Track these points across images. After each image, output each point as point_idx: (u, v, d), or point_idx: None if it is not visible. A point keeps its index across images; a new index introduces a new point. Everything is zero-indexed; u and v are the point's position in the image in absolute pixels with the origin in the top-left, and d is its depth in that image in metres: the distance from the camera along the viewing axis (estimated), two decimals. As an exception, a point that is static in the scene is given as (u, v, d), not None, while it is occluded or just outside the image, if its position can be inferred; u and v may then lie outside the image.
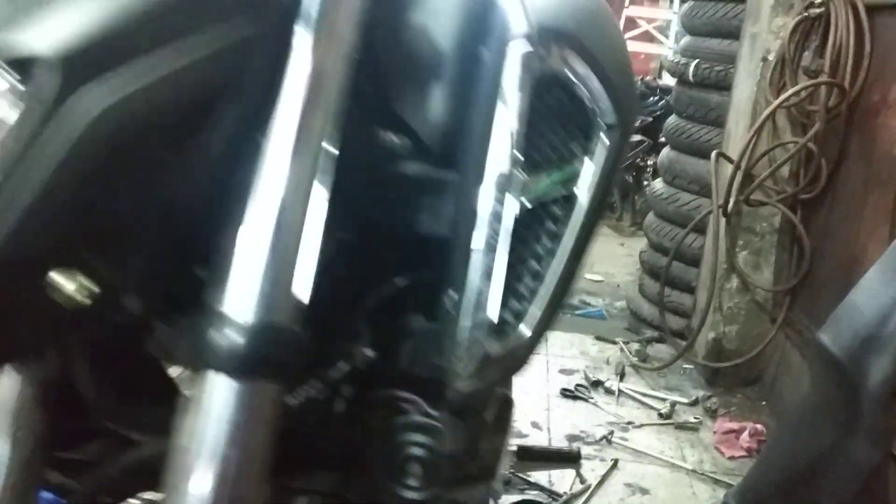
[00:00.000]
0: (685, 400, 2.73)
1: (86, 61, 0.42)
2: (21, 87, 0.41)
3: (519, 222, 0.60)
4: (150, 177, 0.47)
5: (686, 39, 3.57)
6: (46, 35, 0.42)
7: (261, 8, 0.49)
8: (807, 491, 1.84)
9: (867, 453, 1.78)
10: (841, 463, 1.80)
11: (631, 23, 7.51)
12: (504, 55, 0.59)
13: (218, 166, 0.49)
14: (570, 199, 0.65)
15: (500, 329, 0.60)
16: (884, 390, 1.75)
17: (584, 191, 0.64)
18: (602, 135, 0.65)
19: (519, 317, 0.62)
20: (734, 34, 3.15)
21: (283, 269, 0.47)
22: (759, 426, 2.49)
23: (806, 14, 2.58)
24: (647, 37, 7.49)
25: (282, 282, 0.47)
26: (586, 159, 0.65)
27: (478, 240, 0.59)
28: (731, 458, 2.37)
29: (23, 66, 0.42)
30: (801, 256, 2.66)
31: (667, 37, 7.44)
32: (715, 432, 2.51)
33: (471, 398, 0.62)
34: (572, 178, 0.64)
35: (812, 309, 2.59)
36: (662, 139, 4.69)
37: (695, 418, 2.59)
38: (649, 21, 7.51)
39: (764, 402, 2.79)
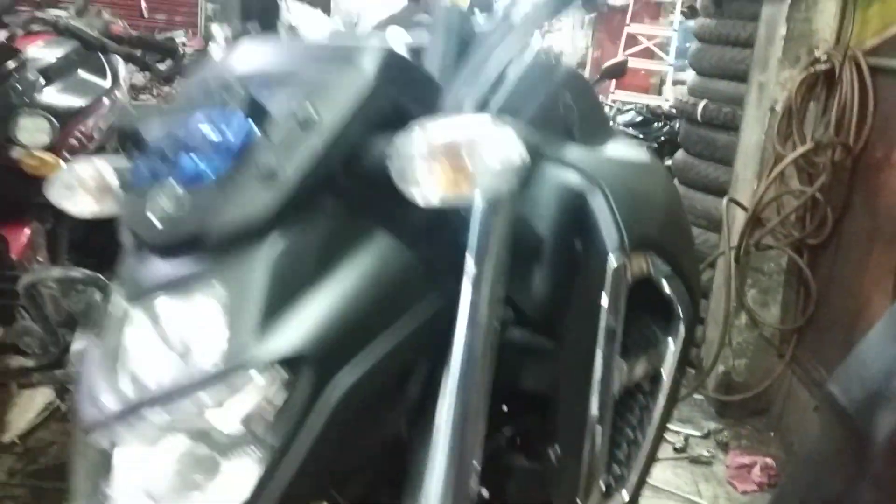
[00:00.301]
0: (698, 433, 2.87)
1: (338, 354, 0.56)
2: (287, 377, 0.55)
3: (618, 397, 0.74)
4: (375, 424, 0.61)
5: (694, 79, 3.72)
6: (307, 336, 0.56)
7: (447, 284, 0.62)
8: (820, 539, 1.98)
9: (875, 501, 1.92)
10: (851, 512, 1.94)
11: (632, 40, 7.66)
12: (604, 265, 0.73)
13: (415, 402, 0.63)
14: (657, 377, 0.78)
15: (608, 494, 0.74)
16: (890, 442, 1.90)
17: (667, 368, 0.78)
18: (680, 317, 0.79)
19: (620, 481, 0.76)
20: (741, 77, 3.29)
21: (464, 469, 0.61)
22: (769, 460, 2.64)
23: (812, 70, 2.72)
24: (647, 53, 7.64)
25: (463, 482, 0.61)
26: (669, 340, 0.79)
27: (588, 406, 0.73)
28: (744, 492, 2.52)
29: (290, 362, 0.55)
30: (808, 298, 2.80)
31: (667, 53, 7.58)
32: (728, 466, 2.65)
33: None
34: (658, 358, 0.78)
35: (818, 348, 2.74)
36: (667, 164, 4.84)
37: (708, 452, 2.74)
38: (649, 38, 7.65)
39: (772, 433, 2.94)
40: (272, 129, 0.60)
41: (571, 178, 0.79)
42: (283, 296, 0.58)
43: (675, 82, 7.54)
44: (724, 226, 2.98)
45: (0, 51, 1.61)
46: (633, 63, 7.59)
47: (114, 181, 0.72)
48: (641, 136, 4.84)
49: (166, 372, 0.59)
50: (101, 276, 1.85)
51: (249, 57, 0.70)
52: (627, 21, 7.69)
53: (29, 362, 1.86)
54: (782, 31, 2.90)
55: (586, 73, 8.35)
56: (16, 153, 1.60)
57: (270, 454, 0.55)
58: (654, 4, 7.70)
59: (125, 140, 0.71)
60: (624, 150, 0.96)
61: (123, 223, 0.69)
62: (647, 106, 5.15)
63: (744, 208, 2.90)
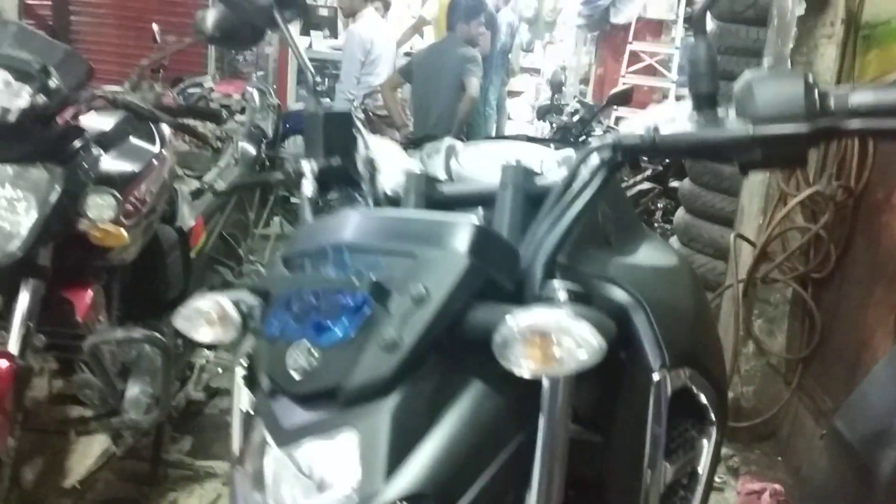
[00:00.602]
0: (709, 459, 3.00)
1: (451, 491, 0.70)
2: None
3: (668, 494, 0.87)
4: None
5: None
6: (426, 476, 0.69)
7: (527, 421, 0.76)
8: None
9: (880, 534, 2.05)
10: (857, 544, 2.07)
11: (635, 57, 7.80)
12: (649, 378, 0.86)
13: None
14: (694, 473, 0.91)
15: None
16: (893, 478, 2.03)
17: (703, 465, 0.91)
18: (713, 421, 0.92)
19: None
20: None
21: None
22: (777, 486, 2.77)
23: (814, 111, 2.85)
24: (650, 70, 7.78)
25: None
26: (704, 441, 0.92)
27: (637, 502, 0.86)
28: (755, 519, 2.65)
29: (413, 499, 0.69)
30: (812, 329, 2.93)
31: (669, 70, 7.73)
32: (738, 493, 2.78)
33: None
34: (695, 457, 0.91)
35: (823, 378, 2.87)
36: (673, 183, 4.97)
37: (720, 478, 2.86)
38: (652, 55, 7.80)
39: (780, 458, 3.07)
40: (390, 303, 0.73)
41: (616, 293, 0.92)
42: (404, 441, 0.71)
43: (678, 98, 7.69)
44: (731, 260, 3.11)
45: (70, 131, 1.74)
46: (637, 80, 7.74)
47: (234, 315, 0.85)
48: (646, 158, 4.94)
49: (306, 501, 0.72)
50: (156, 334, 1.98)
51: (355, 226, 0.82)
52: (630, 39, 7.84)
53: (87, 412, 2.00)
54: (785, 72, 3.03)
55: (589, 90, 8.49)
56: (83, 225, 1.73)
57: None
58: (655, 22, 7.85)
59: (257, 294, 0.83)
60: (655, 254, 1.09)
61: (262, 370, 0.81)
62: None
63: (751, 243, 3.03)
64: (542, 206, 0.87)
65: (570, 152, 1.18)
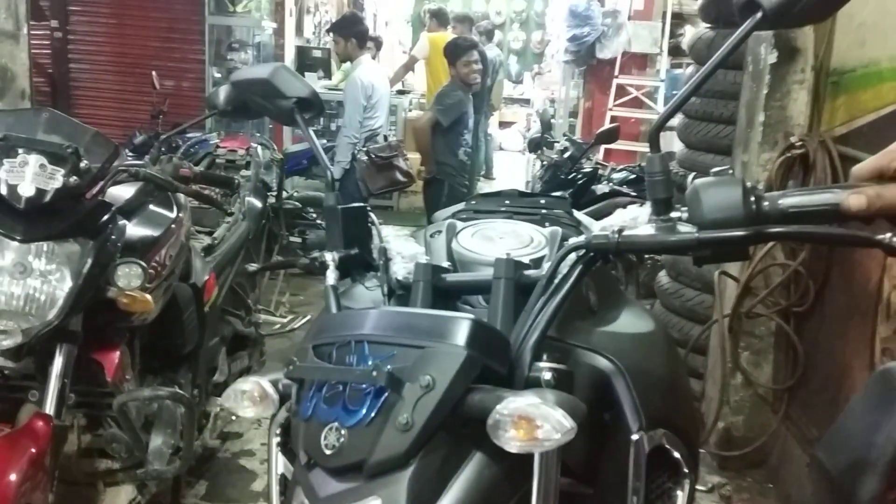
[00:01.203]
0: (703, 488, 3.13)
1: None
2: None
3: None
4: None
5: (683, 152, 4.03)
6: None
7: (522, 483, 0.90)
8: None
9: (861, 558, 2.19)
10: (840, 568, 2.20)
11: (621, 90, 8.00)
12: (628, 437, 1.01)
13: None
14: None
15: None
16: (871, 504, 2.16)
17: None
18: (686, 473, 1.07)
19: None
20: (726, 151, 3.60)
21: None
22: (768, 513, 2.90)
23: (789, 154, 3.02)
24: (636, 103, 7.98)
25: None
26: (678, 492, 1.06)
27: None
28: (747, 545, 2.77)
29: None
30: (796, 360, 3.08)
31: (655, 102, 7.92)
32: (731, 520, 2.91)
33: None
34: None
35: (807, 406, 3.01)
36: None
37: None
38: (638, 88, 8.00)
39: (770, 485, 3.20)
40: (403, 390, 0.87)
41: (599, 361, 1.07)
42: None
43: (665, 129, 7.83)
44: (716, 296, 3.26)
45: (99, 206, 1.89)
46: (624, 113, 7.93)
47: (273, 394, 1.00)
48: (635, 193, 5.10)
49: None
50: (179, 391, 2.12)
51: (374, 322, 0.95)
52: (616, 72, 8.04)
53: (114, 464, 2.12)
54: (761, 117, 3.21)
55: (578, 123, 8.69)
56: (111, 293, 1.88)
57: None
58: (640, 56, 8.05)
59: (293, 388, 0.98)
60: (634, 321, 1.25)
61: (300, 446, 0.94)
62: (640, 165, 5.46)
63: (734, 279, 3.18)
64: (530, 296, 1.02)
65: (556, 231, 1.33)
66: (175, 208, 2.24)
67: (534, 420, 0.83)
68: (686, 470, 1.06)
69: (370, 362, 0.90)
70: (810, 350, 3.04)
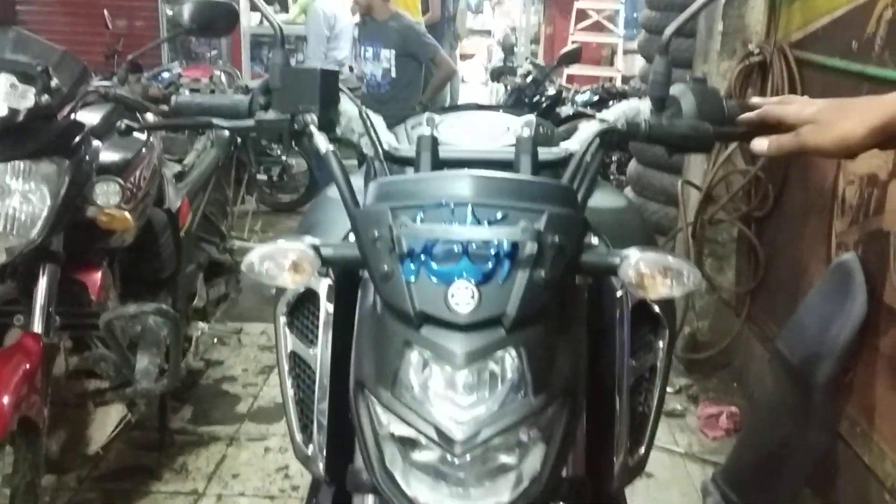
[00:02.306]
0: (671, 389, 3.27)
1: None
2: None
3: (634, 387, 1.10)
4: None
5: (644, 67, 4.08)
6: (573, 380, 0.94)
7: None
8: (774, 470, 2.39)
9: (819, 438, 2.33)
10: (800, 447, 2.34)
11: (582, 14, 7.99)
12: (615, 295, 1.09)
13: None
14: (653, 368, 1.13)
15: (634, 447, 1.10)
16: (828, 388, 2.29)
17: (660, 362, 1.13)
18: (665, 326, 1.14)
19: (639, 442, 1.11)
20: (687, 64, 3.65)
21: None
22: (733, 408, 3.05)
23: (747, 62, 3.08)
24: (597, 27, 7.98)
25: None
26: (659, 342, 1.14)
27: (614, 394, 1.09)
28: (714, 438, 2.92)
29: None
30: (757, 263, 3.20)
31: (616, 25, 7.94)
32: (698, 417, 3.05)
33: (620, 491, 1.13)
34: (654, 356, 1.13)
35: (769, 307, 3.14)
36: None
37: (681, 405, 3.14)
38: (599, 12, 7.99)
39: (735, 384, 3.35)
40: (537, 249, 0.89)
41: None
42: (554, 353, 0.92)
43: (626, 52, 7.91)
44: (680, 205, 3.35)
45: (71, 126, 1.90)
46: (584, 37, 7.92)
47: (315, 259, 0.95)
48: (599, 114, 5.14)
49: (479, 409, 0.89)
50: (164, 307, 2.16)
51: (474, 186, 0.94)
52: (576, -3, 8.04)
53: (104, 384, 2.17)
54: (719, 26, 3.26)
55: (540, 49, 8.67)
56: (90, 212, 1.90)
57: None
58: (600, -21, 8.04)
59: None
60: (609, 198, 1.32)
61: (409, 307, 0.89)
62: (603, 86, 5.50)
63: (697, 188, 3.27)
64: (555, 173, 1.11)
65: (530, 118, 1.38)
66: (145, 131, 2.25)
67: (671, 269, 0.91)
68: (665, 323, 1.13)
69: (485, 223, 0.91)
70: (771, 252, 3.15)
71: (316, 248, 0.96)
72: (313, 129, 1.14)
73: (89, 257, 2.04)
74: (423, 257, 0.90)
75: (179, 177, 2.76)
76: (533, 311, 0.89)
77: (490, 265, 0.89)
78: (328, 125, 1.18)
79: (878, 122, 0.99)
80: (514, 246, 0.90)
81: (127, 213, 1.94)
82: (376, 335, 0.96)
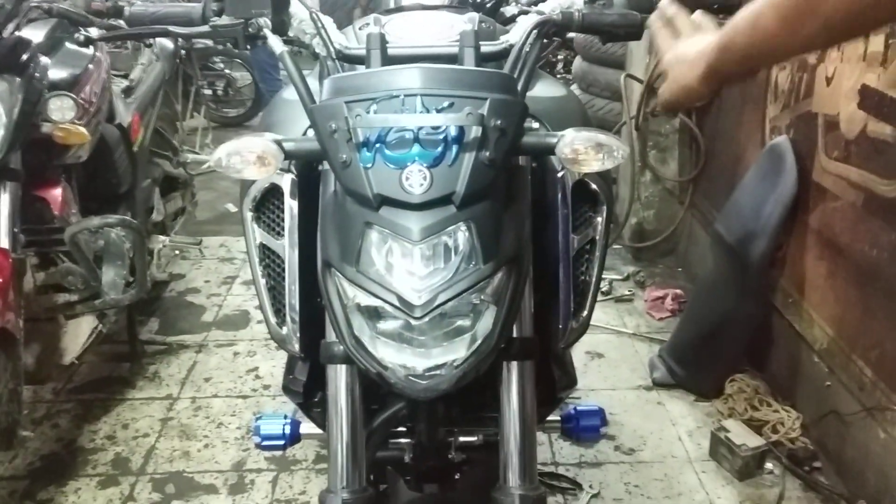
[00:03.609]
0: (619, 276, 3.44)
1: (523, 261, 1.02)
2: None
3: (576, 258, 1.21)
4: None
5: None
6: (515, 247, 1.01)
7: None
8: (714, 342, 2.57)
9: (755, 310, 2.51)
10: (738, 319, 2.52)
11: (522, -90, 7.86)
12: (556, 175, 1.19)
13: None
14: (593, 242, 1.24)
15: (577, 311, 1.22)
16: (762, 263, 2.46)
17: (599, 235, 1.24)
18: (603, 202, 1.25)
19: (582, 306, 1.23)
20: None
21: None
22: (678, 291, 3.22)
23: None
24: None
25: None
26: (598, 218, 1.25)
27: (558, 266, 1.20)
28: (660, 319, 3.10)
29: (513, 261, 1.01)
30: (698, 153, 3.33)
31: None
32: (645, 300, 3.23)
33: (565, 352, 1.26)
34: (593, 230, 1.24)
35: (710, 194, 3.29)
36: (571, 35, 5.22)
37: (629, 291, 3.30)
38: None
39: (680, 269, 3.53)
40: (481, 132, 0.98)
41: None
42: (499, 225, 1.01)
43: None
44: (623, 98, 3.44)
45: (18, 43, 1.90)
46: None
47: (277, 152, 1.02)
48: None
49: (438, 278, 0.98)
50: (128, 218, 2.21)
51: (418, 77, 1.01)
52: None
53: (73, 297, 2.24)
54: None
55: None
56: (46, 128, 1.92)
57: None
58: None
59: None
60: (550, 88, 1.40)
61: (368, 190, 0.97)
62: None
63: (639, 81, 3.36)
64: (498, 66, 1.18)
65: (472, 15, 1.44)
66: (91, 46, 2.25)
67: (603, 145, 1.01)
68: (603, 199, 1.24)
69: (433, 111, 0.98)
70: (710, 142, 3.28)
71: (279, 143, 1.04)
72: (267, 32, 1.19)
73: (48, 174, 2.07)
74: (378, 145, 0.98)
75: (127, 92, 2.75)
76: (480, 188, 0.98)
77: (439, 149, 0.98)
78: (280, 27, 1.23)
79: (704, 69, 0.99)
80: (461, 130, 0.98)
81: (82, 128, 1.96)
82: (339, 219, 1.04)
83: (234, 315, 3.21)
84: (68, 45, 2.20)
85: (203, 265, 3.66)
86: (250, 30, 1.21)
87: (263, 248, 1.24)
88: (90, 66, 2.22)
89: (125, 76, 2.89)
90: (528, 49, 1.17)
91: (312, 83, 1.15)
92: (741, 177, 2.81)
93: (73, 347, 2.26)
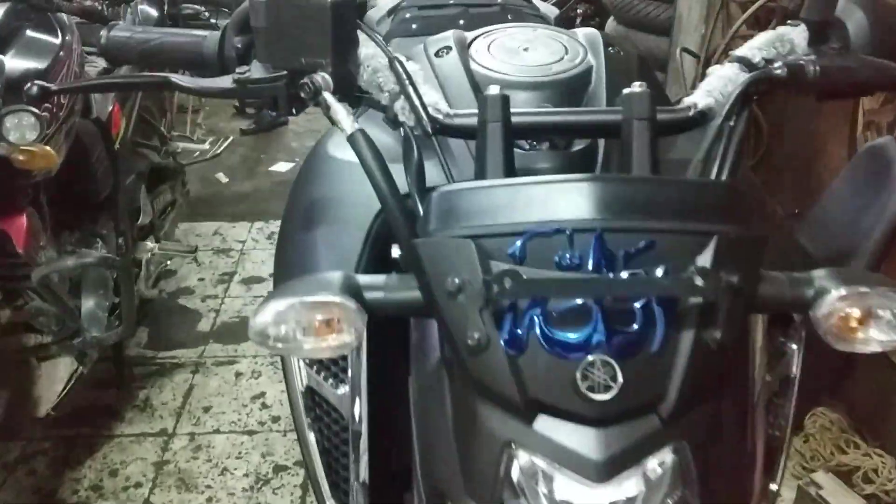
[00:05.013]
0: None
1: None
2: None
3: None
4: None
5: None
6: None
7: None
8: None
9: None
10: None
11: None
12: None
13: None
14: (787, 380, 0.89)
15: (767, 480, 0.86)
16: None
17: (795, 371, 0.89)
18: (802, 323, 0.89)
19: (772, 470, 0.88)
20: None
21: None
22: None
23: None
24: None
25: None
26: (793, 345, 0.89)
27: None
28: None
29: None
30: (759, 136, 2.93)
31: None
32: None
33: None
34: (787, 365, 0.89)
35: (772, 184, 2.91)
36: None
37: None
38: None
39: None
40: (699, 295, 0.61)
41: None
42: (726, 442, 0.65)
43: None
44: (680, 75, 3.03)
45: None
46: None
47: (357, 316, 0.64)
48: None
49: None
50: (109, 255, 1.82)
51: (594, 196, 0.64)
52: None
53: (46, 338, 1.86)
54: None
55: None
56: (3, 150, 1.51)
57: None
58: None
59: None
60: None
61: (525, 391, 0.61)
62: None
63: (695, 56, 2.94)
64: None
65: (593, 34, 1.05)
66: (59, 31, 1.82)
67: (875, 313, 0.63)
68: (800, 321, 0.88)
69: (624, 257, 0.61)
70: (775, 126, 2.89)
71: (358, 293, 0.65)
72: (328, 97, 0.78)
73: (10, 199, 1.67)
74: (534, 317, 0.61)
75: (105, 74, 2.32)
76: (703, 390, 0.61)
77: (636, 327, 0.60)
78: (343, 83, 0.81)
79: None
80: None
81: (48, 148, 1.56)
82: (458, 424, 0.66)
83: (233, 323, 2.83)
84: (31, 33, 1.77)
85: (195, 258, 3.26)
86: (302, 93, 0.79)
87: (312, 393, 0.86)
88: (60, 54, 1.80)
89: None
90: (731, 123, 0.78)
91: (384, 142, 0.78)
92: (818, 173, 2.44)
93: (49, 395, 1.89)
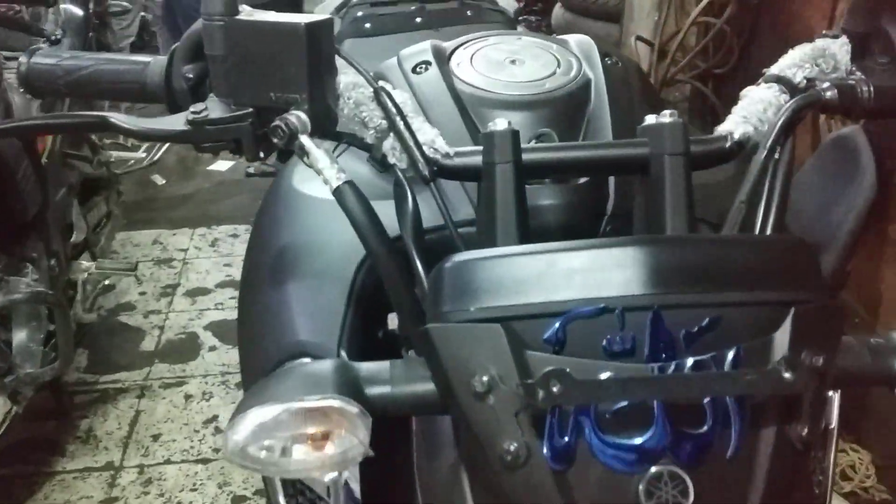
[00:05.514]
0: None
1: None
2: None
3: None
4: None
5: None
6: None
7: None
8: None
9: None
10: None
11: None
12: None
13: None
14: (827, 430, 0.80)
15: None
16: (832, 282, 2.07)
17: (834, 420, 0.80)
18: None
19: None
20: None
21: None
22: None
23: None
24: None
25: None
26: (833, 394, 0.80)
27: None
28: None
29: None
30: (714, 123, 2.89)
31: None
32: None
33: None
34: (828, 411, 0.80)
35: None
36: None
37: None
38: None
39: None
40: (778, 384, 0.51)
41: None
42: None
43: None
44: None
45: None
46: None
47: (361, 421, 0.52)
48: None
49: None
50: (41, 290, 1.66)
51: (644, 264, 0.52)
52: None
53: (-26, 379, 1.69)
54: None
55: None
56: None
57: None
58: None
59: None
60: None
61: None
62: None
63: (649, 44, 2.87)
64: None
65: (585, 42, 0.94)
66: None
67: None
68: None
69: (683, 341, 0.50)
70: (729, 112, 2.84)
71: (359, 391, 0.53)
72: (306, 141, 0.65)
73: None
74: (583, 421, 0.50)
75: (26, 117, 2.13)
76: (786, 498, 0.50)
77: (706, 429, 0.49)
78: (321, 121, 0.67)
79: None
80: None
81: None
82: None
83: (179, 340, 2.67)
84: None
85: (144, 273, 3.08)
86: (274, 137, 0.65)
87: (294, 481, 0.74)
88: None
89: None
90: (776, 155, 0.68)
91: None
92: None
93: (-20, 440, 1.73)
